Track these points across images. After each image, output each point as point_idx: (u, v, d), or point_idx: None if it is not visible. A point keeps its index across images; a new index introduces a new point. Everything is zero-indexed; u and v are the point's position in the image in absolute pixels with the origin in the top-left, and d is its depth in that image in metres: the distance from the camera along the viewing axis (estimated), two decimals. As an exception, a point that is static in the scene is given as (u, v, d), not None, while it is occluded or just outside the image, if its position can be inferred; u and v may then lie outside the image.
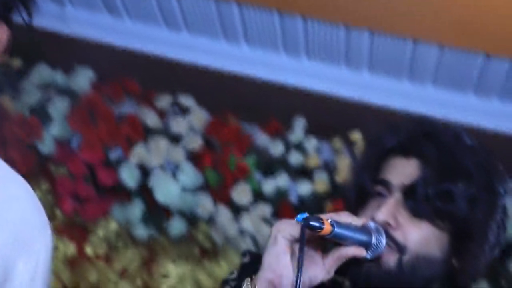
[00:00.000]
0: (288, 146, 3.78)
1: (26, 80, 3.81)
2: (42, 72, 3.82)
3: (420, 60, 3.51)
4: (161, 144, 3.73)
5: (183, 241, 3.77)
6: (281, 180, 3.71)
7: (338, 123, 3.69)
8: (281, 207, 3.68)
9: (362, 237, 1.42)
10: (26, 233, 1.22)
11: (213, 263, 3.74)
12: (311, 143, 3.78)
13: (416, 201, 1.49)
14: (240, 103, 3.83)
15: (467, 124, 3.27)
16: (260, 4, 3.49)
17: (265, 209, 3.65)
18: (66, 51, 3.87)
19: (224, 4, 3.56)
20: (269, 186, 3.70)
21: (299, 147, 3.78)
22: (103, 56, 3.87)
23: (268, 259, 1.40)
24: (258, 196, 3.69)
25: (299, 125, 3.80)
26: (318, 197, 3.66)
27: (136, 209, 3.69)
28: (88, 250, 3.78)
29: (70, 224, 3.80)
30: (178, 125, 3.78)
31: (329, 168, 3.72)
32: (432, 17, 3.17)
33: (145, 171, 3.71)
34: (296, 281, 1.33)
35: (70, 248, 3.78)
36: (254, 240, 3.63)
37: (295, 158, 3.75)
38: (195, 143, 3.75)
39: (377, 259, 1.48)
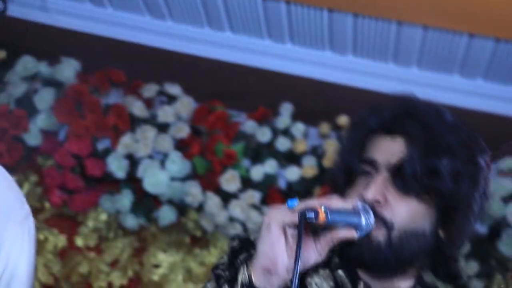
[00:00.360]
0: (275, 132, 3.78)
1: (11, 72, 3.79)
2: (27, 64, 3.80)
3: (404, 42, 3.51)
4: (149, 133, 3.72)
5: (173, 229, 3.77)
6: (269, 166, 3.71)
7: (324, 107, 3.70)
8: (270, 193, 3.69)
9: (353, 220, 1.44)
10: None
11: (204, 251, 3.75)
12: (299, 129, 3.78)
13: (404, 178, 1.53)
14: (226, 90, 3.83)
15: (452, 105, 3.27)
16: (243, -10, 3.49)
17: (254, 196, 3.65)
18: (51, 42, 3.86)
19: (207, -9, 3.57)
20: (257, 172, 3.71)
21: (287, 133, 3.78)
22: (88, 46, 3.86)
23: (262, 247, 1.41)
24: (247, 182, 3.70)
25: (286, 110, 3.80)
26: (306, 182, 3.66)
27: (125, 199, 3.69)
28: (79, 241, 3.78)
29: (59, 216, 3.80)
30: (165, 114, 3.77)
31: (317, 153, 3.73)
32: (415, -1, 3.17)
33: (133, 161, 3.71)
34: (293, 276, 1.34)
35: (60, 240, 3.77)
36: (244, 226, 3.63)
37: (282, 144, 3.75)
38: (183, 131, 3.75)
39: (366, 236, 1.51)
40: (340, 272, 1.62)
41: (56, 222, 3.80)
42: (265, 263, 1.40)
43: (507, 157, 3.70)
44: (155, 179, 3.64)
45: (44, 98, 3.74)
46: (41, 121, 3.72)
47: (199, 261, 3.74)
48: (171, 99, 3.81)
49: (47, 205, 3.78)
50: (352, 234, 1.44)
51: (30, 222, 1.32)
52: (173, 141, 3.74)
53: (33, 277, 1.31)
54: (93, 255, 3.77)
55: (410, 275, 1.61)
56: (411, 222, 1.53)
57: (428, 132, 1.55)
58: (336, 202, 1.42)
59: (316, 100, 3.73)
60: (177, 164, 3.68)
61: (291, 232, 1.41)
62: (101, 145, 3.77)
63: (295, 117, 3.80)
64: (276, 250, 1.40)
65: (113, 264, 3.77)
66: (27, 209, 1.35)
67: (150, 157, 3.72)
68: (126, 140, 3.71)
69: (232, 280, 1.43)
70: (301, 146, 3.74)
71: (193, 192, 3.66)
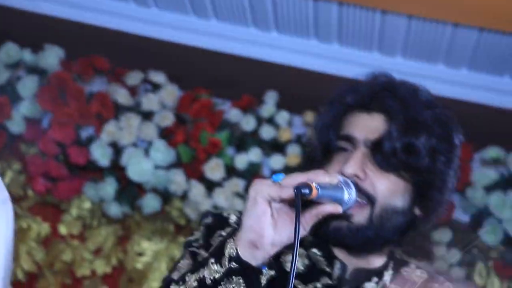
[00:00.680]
0: (260, 121, 3.78)
1: (-6, 59, 3.77)
2: (10, 51, 3.77)
3: (389, 31, 3.52)
4: (133, 121, 3.71)
5: (157, 218, 3.77)
6: (254, 155, 3.71)
7: (309, 96, 3.69)
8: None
9: (337, 194, 1.44)
10: None
11: (188, 239, 3.75)
12: (283, 117, 3.78)
13: (383, 154, 1.54)
14: (211, 79, 3.82)
15: (437, 94, 3.28)
16: (228, -22, 3.48)
17: (238, 184, 3.66)
18: (34, 29, 3.83)
19: (192, -22, 3.55)
20: (241, 160, 3.71)
21: (271, 121, 3.78)
22: (72, 34, 3.84)
23: (248, 221, 1.40)
24: (231, 171, 3.70)
25: (271, 99, 3.80)
26: (291, 170, 3.66)
27: (109, 187, 3.68)
28: (62, 229, 3.77)
29: (43, 204, 3.79)
30: (150, 102, 3.76)
31: (302, 142, 3.73)
32: (400, -12, 3.18)
33: (117, 149, 3.70)
34: (293, 255, 1.34)
35: (44, 228, 3.76)
36: (228, 215, 3.63)
37: (267, 132, 3.75)
38: (167, 119, 3.74)
39: (348, 218, 1.52)
40: (314, 250, 1.63)
41: (40, 210, 3.79)
42: (251, 237, 1.39)
43: (490, 146, 3.73)
44: (139, 167, 3.63)
45: (28, 85, 3.72)
46: (24, 109, 3.70)
47: (183, 249, 3.74)
48: (156, 87, 3.80)
49: (30, 193, 3.77)
50: (337, 208, 1.43)
51: (8, 206, 1.30)
52: (157, 129, 3.73)
53: (10, 261, 1.30)
54: (77, 243, 3.76)
55: (384, 252, 1.63)
56: (390, 199, 1.55)
57: (406, 109, 1.56)
58: (322, 176, 1.41)
59: (301, 89, 3.73)
60: (161, 152, 3.67)
61: (276, 206, 1.41)
62: (85, 133, 3.76)
63: (280, 105, 3.80)
64: (262, 224, 1.39)
65: (97, 252, 3.77)
66: (5, 193, 1.34)
67: (134, 145, 3.71)
68: (110, 128, 3.70)
69: (218, 255, 1.42)
70: (285, 135, 3.75)
71: (178, 180, 3.66)
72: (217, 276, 1.40)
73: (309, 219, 1.43)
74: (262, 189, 1.39)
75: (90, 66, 3.78)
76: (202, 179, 3.68)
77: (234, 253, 1.40)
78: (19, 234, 3.69)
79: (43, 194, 3.74)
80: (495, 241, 3.63)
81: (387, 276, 1.61)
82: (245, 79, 3.82)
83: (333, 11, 3.49)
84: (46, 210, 3.80)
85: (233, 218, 1.65)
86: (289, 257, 1.54)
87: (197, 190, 3.65)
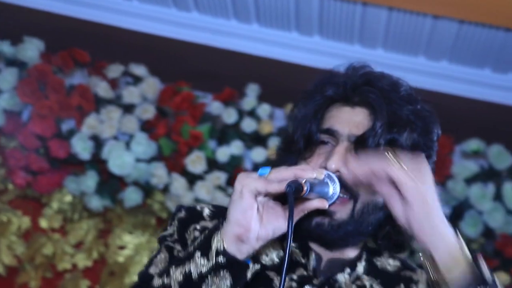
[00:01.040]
0: (241, 113, 3.77)
1: (-28, 52, 3.74)
2: (-11, 43, 3.75)
3: (370, 23, 3.52)
4: (114, 114, 3.70)
5: (138, 211, 3.76)
6: (235, 147, 3.71)
7: (291, 89, 3.68)
8: (236, 174, 3.67)
9: (323, 190, 1.44)
10: None
11: (169, 232, 3.74)
12: (265, 110, 3.78)
13: (367, 150, 1.52)
14: (192, 71, 3.81)
15: (418, 87, 3.30)
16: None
17: (220, 177, 3.65)
18: (14, 21, 3.79)
19: (173, -30, 3.54)
20: (223, 153, 3.70)
21: (253, 114, 3.78)
22: (52, 26, 3.81)
23: (235, 214, 1.39)
24: (213, 164, 3.69)
25: (252, 92, 3.80)
26: (272, 163, 3.66)
27: (90, 180, 3.66)
28: (43, 223, 3.75)
29: (23, 198, 3.77)
30: (131, 94, 3.75)
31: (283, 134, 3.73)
32: (380, -19, 3.18)
33: (98, 142, 3.68)
34: (286, 248, 1.33)
35: (24, 222, 3.74)
36: (210, 208, 3.63)
37: (248, 125, 3.75)
38: (148, 112, 3.72)
39: (331, 214, 1.52)
40: None
41: (20, 203, 3.77)
42: (237, 231, 1.38)
43: (470, 139, 3.75)
44: (120, 161, 3.62)
45: (7, 78, 3.69)
46: (4, 101, 3.68)
47: (164, 243, 3.74)
48: (137, 79, 3.79)
49: (10, 186, 3.75)
50: (324, 204, 1.43)
51: None
52: (138, 122, 3.72)
53: None
54: (58, 236, 3.74)
55: (359, 244, 1.63)
56: (372, 194, 1.53)
57: (389, 104, 1.55)
58: (310, 172, 1.41)
59: (282, 81, 3.72)
60: (143, 145, 3.66)
61: (261, 200, 1.40)
62: (66, 126, 3.74)
63: (261, 98, 3.80)
64: (248, 218, 1.38)
65: (78, 245, 3.75)
66: None
67: (115, 138, 3.69)
68: (90, 121, 3.68)
69: (204, 248, 1.41)
70: (267, 127, 3.75)
71: (159, 173, 3.65)
72: (203, 270, 1.39)
73: (295, 214, 1.42)
74: (248, 183, 1.38)
75: (71, 59, 3.75)
76: (184, 172, 3.67)
77: (222, 247, 1.38)
78: (-1, 228, 3.68)
79: (23, 188, 3.72)
80: (476, 233, 3.65)
81: (360, 267, 1.60)
82: (227, 71, 3.81)
83: (314, 4, 3.49)
84: (26, 204, 3.77)
85: (206, 212, 1.63)
86: (264, 250, 1.54)
87: (178, 183, 3.64)
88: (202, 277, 1.39)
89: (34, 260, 3.69)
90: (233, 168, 3.69)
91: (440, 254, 1.37)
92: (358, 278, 1.60)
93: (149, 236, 3.76)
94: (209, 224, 1.59)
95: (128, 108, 3.74)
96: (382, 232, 1.60)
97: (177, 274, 1.41)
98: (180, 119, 3.71)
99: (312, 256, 1.59)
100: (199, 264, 1.39)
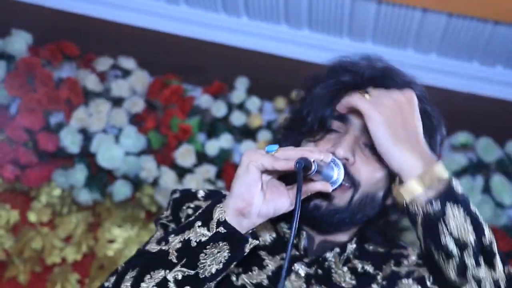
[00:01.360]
0: (231, 107, 3.77)
1: (-40, 45, 3.72)
2: (-23, 37, 3.73)
3: (359, 16, 3.52)
4: (103, 107, 3.69)
5: (128, 204, 3.76)
6: (225, 141, 3.71)
7: (280, 82, 3.70)
8: (225, 167, 3.69)
9: (328, 173, 1.45)
10: None
11: (159, 226, 3.74)
12: (254, 103, 3.78)
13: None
14: (181, 64, 3.80)
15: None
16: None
17: (209, 170, 3.65)
18: (1, 14, 3.77)
19: (162, -37, 3.52)
20: (212, 147, 3.70)
21: (242, 107, 3.78)
22: (40, 19, 3.79)
23: (239, 188, 1.39)
24: (202, 157, 3.69)
25: (242, 85, 3.80)
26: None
27: (79, 174, 3.65)
28: (32, 216, 3.74)
29: (11, 191, 3.75)
30: (120, 88, 3.74)
31: (272, 128, 3.73)
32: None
33: (87, 136, 3.67)
34: (292, 227, 1.33)
35: (13, 215, 3.73)
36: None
37: (238, 119, 3.75)
38: (137, 105, 3.72)
39: (330, 198, 1.54)
40: (282, 224, 1.65)
41: (9, 197, 3.75)
42: (240, 205, 1.39)
43: (459, 132, 3.76)
44: (109, 154, 3.61)
45: (-5, 71, 3.68)
46: (-9, 95, 3.66)
47: (154, 236, 3.73)
48: (126, 73, 3.78)
49: (-1, 180, 3.73)
50: (327, 187, 1.45)
51: None
52: (127, 116, 3.71)
53: None
54: (47, 230, 3.73)
55: (351, 231, 1.64)
56: (372, 186, 1.56)
57: None
58: (318, 154, 1.41)
59: (272, 75, 3.72)
60: (132, 138, 3.65)
61: (265, 178, 1.41)
62: (54, 119, 3.72)
63: (251, 91, 3.80)
64: (252, 193, 1.39)
65: (67, 239, 3.74)
66: None
67: (104, 131, 3.69)
68: (79, 114, 3.67)
69: (205, 218, 1.41)
70: (256, 121, 3.75)
71: (148, 167, 3.64)
72: (203, 239, 1.39)
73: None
74: (256, 158, 1.38)
75: (59, 52, 3.74)
76: (173, 165, 3.67)
77: (223, 218, 1.39)
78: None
79: (12, 182, 3.70)
80: (464, 225, 3.66)
81: (351, 247, 1.62)
82: (216, 65, 3.81)
83: (303, -4, 3.49)
84: (15, 198, 3.76)
85: (201, 193, 1.66)
86: (257, 230, 1.55)
87: (168, 176, 3.64)
88: (201, 246, 1.39)
89: (22, 254, 3.68)
90: (223, 161, 3.69)
91: (405, 179, 1.43)
92: (349, 260, 1.61)
93: (138, 229, 3.75)
94: (203, 204, 1.60)
95: (117, 101, 3.74)
96: (376, 225, 1.62)
97: (175, 242, 1.41)
98: (169, 112, 3.70)
99: (304, 236, 1.61)
100: (199, 233, 1.40)
